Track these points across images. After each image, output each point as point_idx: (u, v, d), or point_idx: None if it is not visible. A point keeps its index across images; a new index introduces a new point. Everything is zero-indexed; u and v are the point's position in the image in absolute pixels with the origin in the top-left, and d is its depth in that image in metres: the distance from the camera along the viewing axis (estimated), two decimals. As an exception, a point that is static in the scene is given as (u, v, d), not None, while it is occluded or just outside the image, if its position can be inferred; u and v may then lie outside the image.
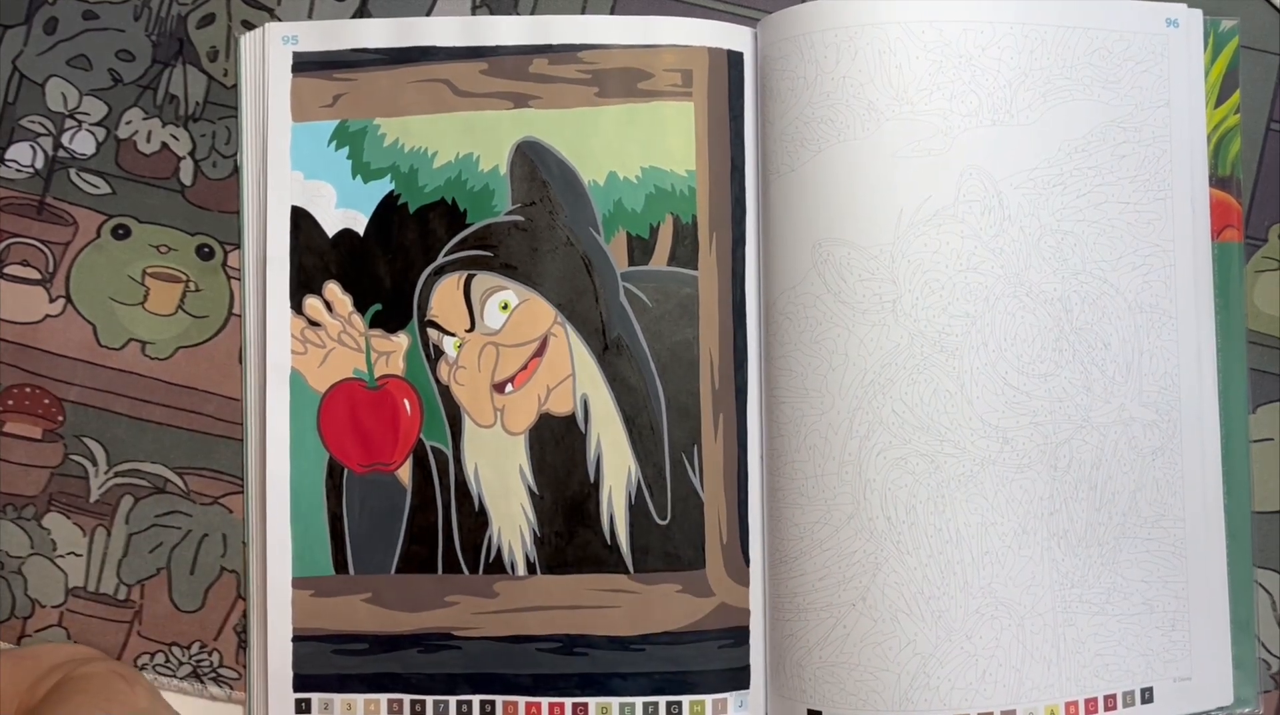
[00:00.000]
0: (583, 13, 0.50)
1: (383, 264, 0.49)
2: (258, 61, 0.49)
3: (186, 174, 0.50)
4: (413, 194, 0.48)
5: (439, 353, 0.48)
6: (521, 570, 0.48)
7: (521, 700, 0.48)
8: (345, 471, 0.48)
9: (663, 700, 0.48)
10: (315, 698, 0.48)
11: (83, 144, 0.50)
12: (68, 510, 0.50)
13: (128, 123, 0.50)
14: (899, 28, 0.46)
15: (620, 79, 0.48)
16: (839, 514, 0.46)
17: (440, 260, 0.48)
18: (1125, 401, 0.47)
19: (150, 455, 0.50)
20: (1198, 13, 0.49)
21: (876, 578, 0.46)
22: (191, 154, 0.50)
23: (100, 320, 0.50)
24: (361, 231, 0.49)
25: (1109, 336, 0.47)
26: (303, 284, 0.49)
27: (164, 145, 0.50)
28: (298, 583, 0.48)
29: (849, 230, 0.46)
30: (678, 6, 0.50)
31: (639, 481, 0.48)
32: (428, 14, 0.50)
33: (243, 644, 0.50)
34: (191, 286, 0.50)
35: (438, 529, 0.48)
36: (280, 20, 0.50)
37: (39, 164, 0.50)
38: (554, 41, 0.48)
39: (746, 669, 0.48)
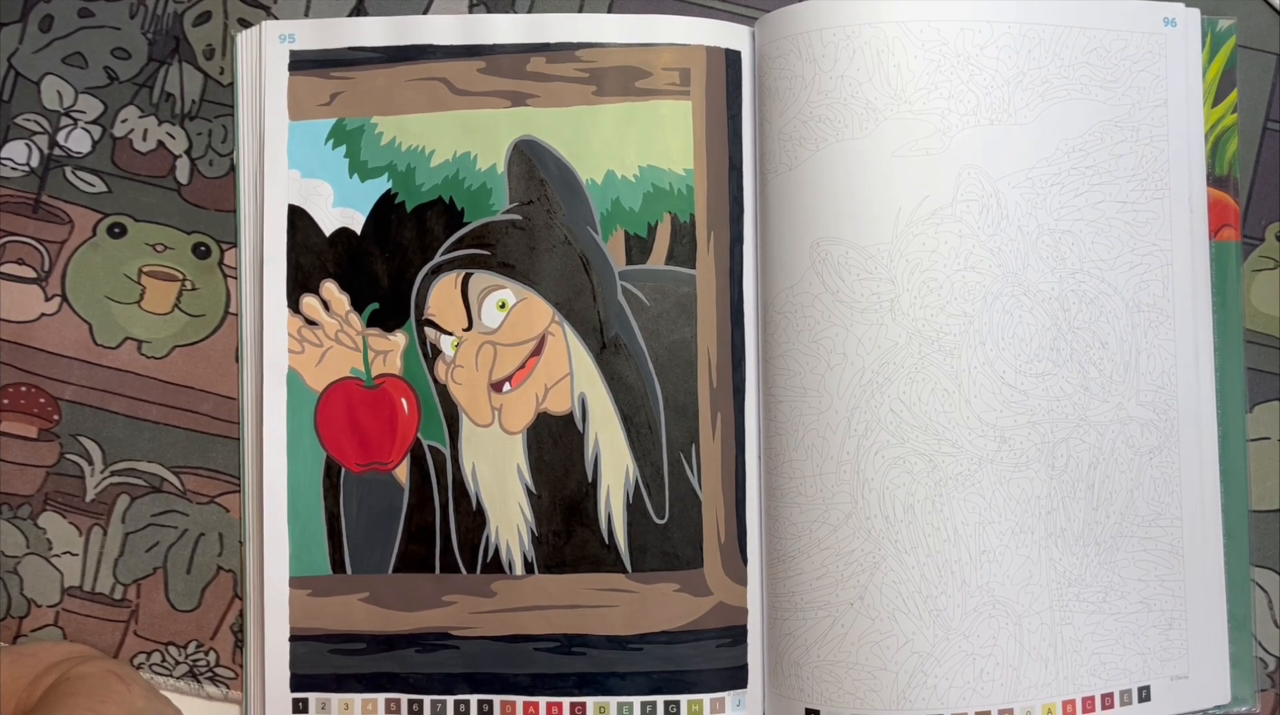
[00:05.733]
0: (580, 11, 0.50)
1: (380, 263, 0.48)
2: (254, 60, 0.49)
3: (183, 172, 0.50)
4: (410, 193, 0.48)
5: (436, 352, 0.48)
6: (519, 570, 0.48)
7: (519, 700, 0.48)
8: (342, 471, 0.48)
9: (660, 700, 0.48)
10: (312, 697, 0.48)
11: (78, 142, 0.50)
12: (64, 509, 0.50)
13: (124, 121, 0.50)
14: (897, 27, 0.46)
15: (618, 78, 0.48)
16: (837, 513, 0.46)
17: (438, 259, 0.48)
18: (1123, 401, 0.47)
19: (146, 454, 0.50)
20: (1195, 12, 0.49)
21: (874, 577, 0.46)
22: (188, 152, 0.50)
23: (96, 319, 0.50)
24: (359, 230, 0.49)
25: (1106, 336, 0.47)
26: (300, 283, 0.49)
27: (160, 143, 0.50)
28: (295, 582, 0.48)
29: (847, 229, 0.46)
30: (675, 5, 0.50)
31: (637, 481, 0.48)
32: (425, 12, 0.50)
33: (239, 643, 0.50)
34: (188, 285, 0.50)
35: (435, 528, 0.48)
36: (277, 18, 0.50)
37: (34, 162, 0.50)
38: (551, 40, 0.48)
39: (744, 668, 0.48)
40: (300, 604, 0.48)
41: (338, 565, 0.48)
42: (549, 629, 0.48)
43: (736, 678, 0.48)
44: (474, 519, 0.48)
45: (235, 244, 0.50)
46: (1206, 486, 0.48)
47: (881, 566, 0.46)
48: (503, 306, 0.48)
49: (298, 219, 0.49)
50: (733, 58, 0.48)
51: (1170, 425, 0.48)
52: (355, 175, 0.49)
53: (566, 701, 0.48)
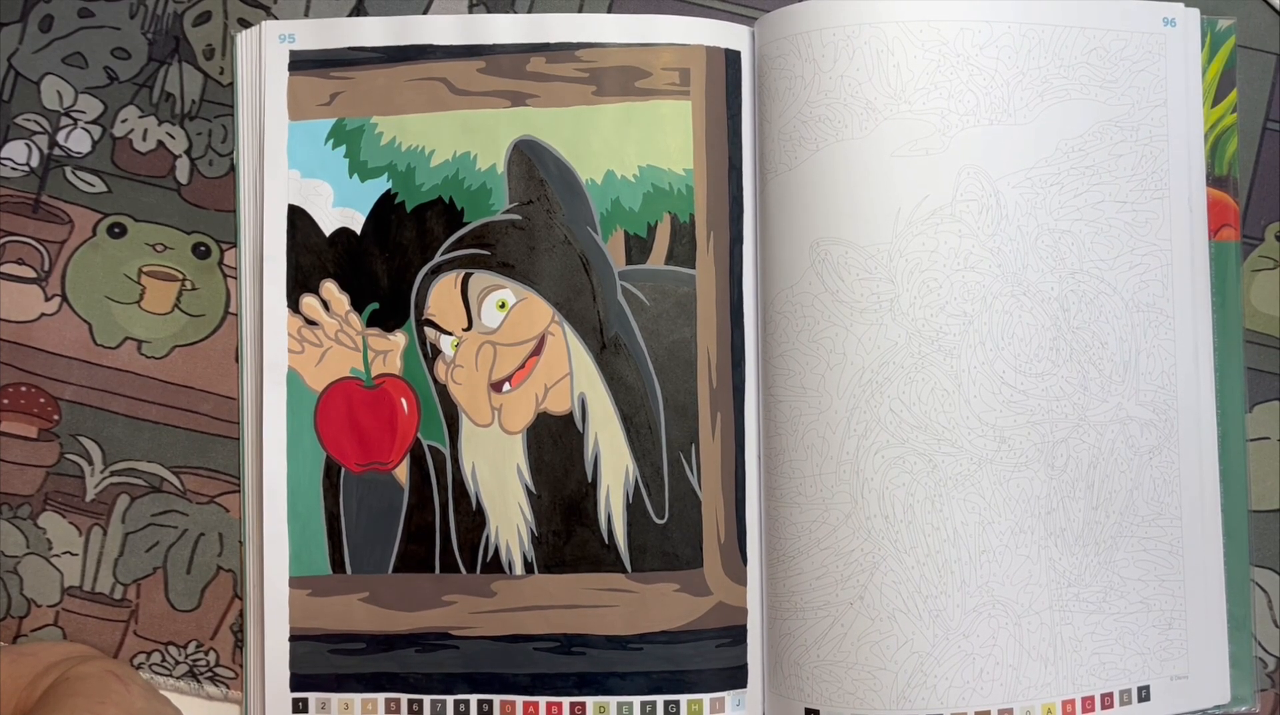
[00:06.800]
0: (580, 11, 0.50)
1: (380, 263, 0.48)
2: (254, 60, 0.49)
3: (183, 172, 0.50)
4: (410, 193, 0.48)
5: (436, 352, 0.48)
6: (519, 569, 0.48)
7: (519, 700, 0.48)
8: (342, 471, 0.48)
9: (660, 700, 0.48)
10: (312, 697, 0.48)
11: (78, 142, 0.50)
12: (63, 509, 0.50)
13: (123, 121, 0.50)
14: (897, 27, 0.46)
15: (618, 78, 0.48)
16: (836, 513, 0.46)
17: (437, 259, 0.48)
18: (1122, 400, 0.47)
19: (146, 454, 0.50)
20: (1195, 12, 0.49)
21: (874, 576, 0.46)
22: (188, 152, 0.50)
23: (96, 319, 0.50)
24: (359, 230, 0.49)
25: (1106, 336, 0.47)
26: (299, 283, 0.49)
27: (160, 143, 0.50)
28: (295, 582, 0.48)
29: (846, 229, 0.46)
30: (675, 5, 0.50)
31: (637, 481, 0.48)
32: (425, 12, 0.50)
33: (239, 643, 0.50)
34: (188, 285, 0.50)
35: (435, 528, 0.48)
36: (276, 18, 0.50)
37: (34, 162, 0.50)
38: (551, 40, 0.48)
39: (744, 668, 0.48)
40: (300, 604, 0.48)
41: (338, 565, 0.48)
42: (549, 629, 0.48)
43: (736, 678, 0.48)
44: (474, 519, 0.48)
45: (235, 244, 0.50)
46: (1206, 486, 0.48)
47: (881, 566, 0.46)
48: (502, 306, 0.48)
49: (298, 219, 0.49)
50: (732, 58, 0.48)
51: (1170, 425, 0.48)
52: (355, 175, 0.49)
53: (566, 701, 0.48)
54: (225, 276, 0.50)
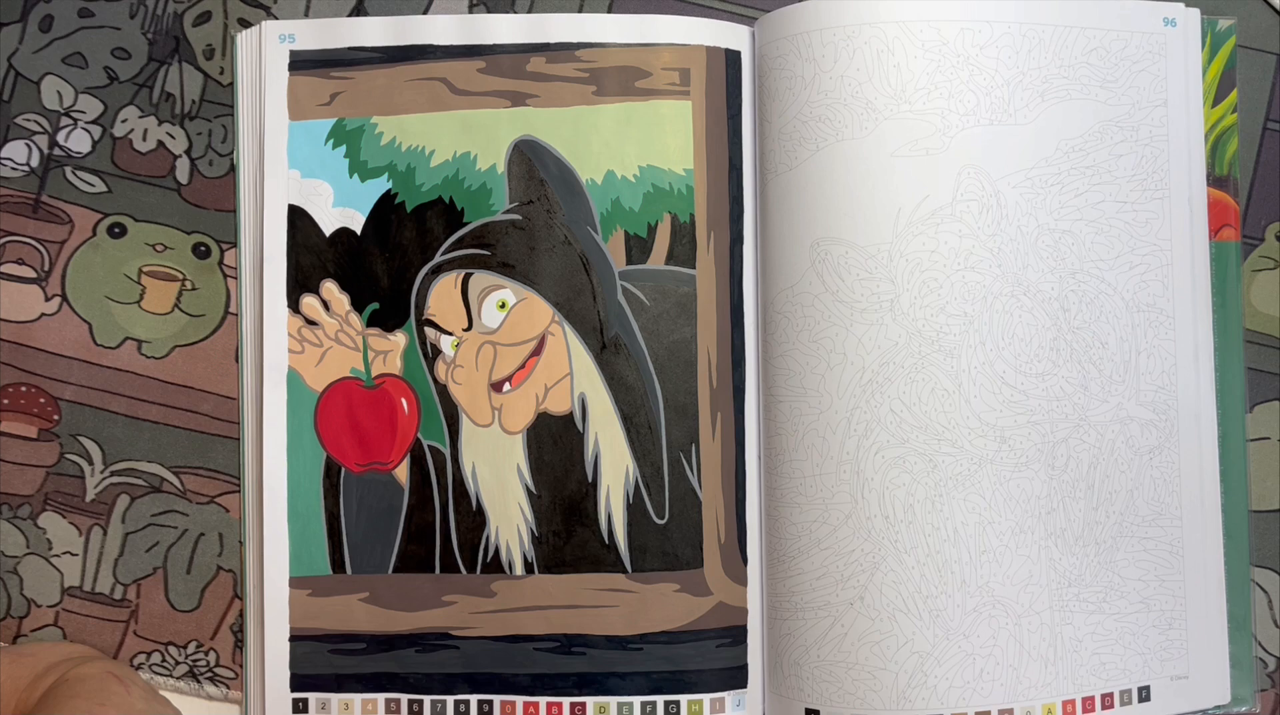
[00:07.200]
0: (580, 11, 0.50)
1: (380, 263, 0.48)
2: (254, 60, 0.49)
3: (183, 172, 0.50)
4: (410, 193, 0.48)
5: (436, 352, 0.48)
6: (519, 570, 0.48)
7: (519, 700, 0.48)
8: (342, 471, 0.48)
9: (660, 700, 0.48)
10: (312, 697, 0.48)
11: (78, 142, 0.50)
12: (64, 509, 0.50)
13: (124, 121, 0.50)
14: (897, 27, 0.46)
15: (618, 78, 0.48)
16: (837, 513, 0.46)
17: (438, 259, 0.48)
18: (1123, 401, 0.48)
19: (146, 454, 0.50)
20: (1195, 12, 0.49)
21: (874, 577, 0.46)
22: (188, 152, 0.50)
23: (96, 319, 0.50)
24: (359, 230, 0.49)
25: (1106, 336, 0.47)
26: (300, 283, 0.49)
27: (160, 143, 0.50)
28: (295, 582, 0.48)
29: (847, 229, 0.46)
30: (675, 5, 0.50)
31: (637, 481, 0.48)
32: (425, 12, 0.50)
33: (239, 643, 0.50)
34: (188, 285, 0.50)
35: (435, 528, 0.48)
36: (277, 18, 0.50)
37: (34, 162, 0.50)
38: (551, 40, 0.48)
39: (744, 668, 0.48)
40: (300, 604, 0.48)
41: (338, 565, 0.48)
42: (549, 629, 0.48)
43: (736, 678, 0.48)
44: (474, 519, 0.48)
45: (235, 244, 0.50)
46: (1206, 486, 0.48)
47: (881, 566, 0.46)
48: (503, 306, 0.48)
49: (298, 219, 0.49)
50: (733, 58, 0.48)
51: (1170, 425, 0.48)
52: (355, 175, 0.49)
53: (566, 701, 0.48)
54: (225, 276, 0.50)
